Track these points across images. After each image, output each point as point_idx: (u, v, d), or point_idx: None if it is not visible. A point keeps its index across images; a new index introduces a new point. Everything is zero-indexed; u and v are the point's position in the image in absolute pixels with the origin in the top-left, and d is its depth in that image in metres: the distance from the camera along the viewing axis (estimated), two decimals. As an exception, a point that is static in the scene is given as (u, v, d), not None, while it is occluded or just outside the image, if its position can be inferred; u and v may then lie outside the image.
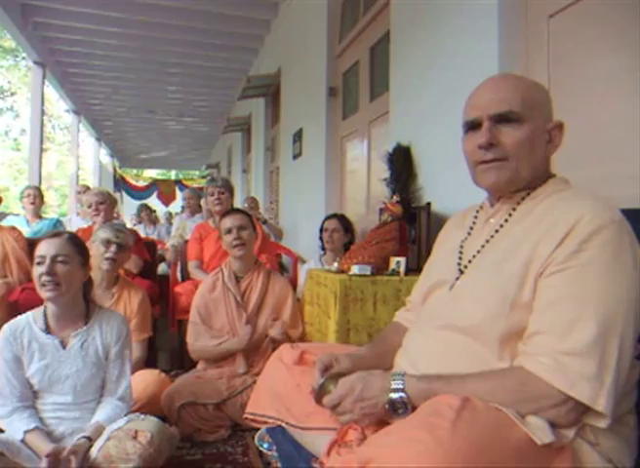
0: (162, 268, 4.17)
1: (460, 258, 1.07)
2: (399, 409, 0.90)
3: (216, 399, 1.92)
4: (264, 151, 6.88)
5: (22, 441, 1.40)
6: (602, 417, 0.80)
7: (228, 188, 3.19)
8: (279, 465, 1.19)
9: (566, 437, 0.82)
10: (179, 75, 7.49)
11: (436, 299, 1.10)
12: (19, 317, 1.57)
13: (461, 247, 1.09)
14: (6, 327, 1.53)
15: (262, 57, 6.49)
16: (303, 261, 3.65)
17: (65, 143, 17.66)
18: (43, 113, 6.56)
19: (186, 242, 3.35)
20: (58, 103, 15.88)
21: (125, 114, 9.98)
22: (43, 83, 6.40)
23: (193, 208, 5.01)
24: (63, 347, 1.53)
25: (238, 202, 5.60)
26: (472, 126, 1.03)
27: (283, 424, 1.14)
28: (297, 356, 1.23)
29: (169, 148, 13.58)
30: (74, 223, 5.07)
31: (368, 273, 1.93)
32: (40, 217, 4.18)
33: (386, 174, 2.46)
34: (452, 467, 0.68)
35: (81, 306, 1.60)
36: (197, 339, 2.14)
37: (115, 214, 4.28)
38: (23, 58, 14.23)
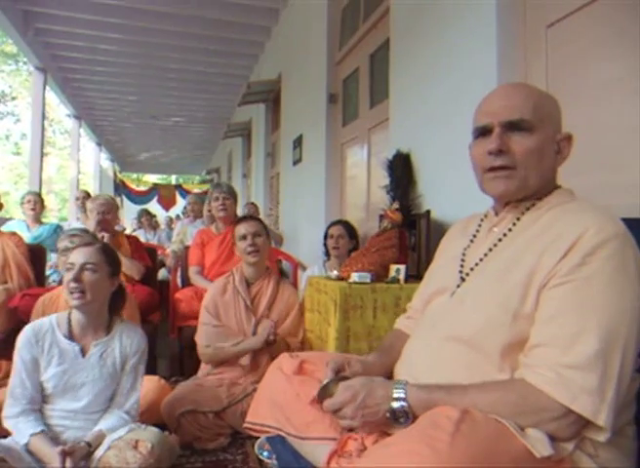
0: (162, 274, 4.18)
1: (462, 266, 1.07)
2: (400, 417, 0.91)
3: (216, 407, 1.92)
4: (265, 157, 6.89)
5: (26, 445, 1.40)
6: (602, 431, 0.80)
7: (233, 195, 3.21)
8: (279, 475, 1.19)
9: (565, 449, 0.82)
10: (179, 81, 7.50)
11: (437, 306, 1.10)
12: (42, 319, 1.59)
13: (464, 254, 1.09)
14: (28, 327, 1.55)
15: (263, 63, 6.51)
16: (304, 267, 3.64)
17: (66, 148, 17.68)
18: (44, 118, 6.57)
19: (187, 247, 3.35)
20: (58, 108, 15.94)
21: (125, 119, 10.01)
22: (44, 88, 6.42)
23: (196, 213, 4.99)
24: (83, 355, 1.55)
25: (239, 208, 5.60)
26: (483, 132, 1.02)
27: (282, 434, 1.14)
28: (296, 365, 1.23)
29: (169, 153, 13.61)
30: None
31: (367, 281, 1.93)
32: (40, 223, 4.19)
33: (386, 180, 2.46)
34: (451, 480, 0.69)
35: (105, 316, 1.62)
36: (209, 341, 2.13)
37: (117, 220, 4.27)
38: (25, 63, 14.29)
